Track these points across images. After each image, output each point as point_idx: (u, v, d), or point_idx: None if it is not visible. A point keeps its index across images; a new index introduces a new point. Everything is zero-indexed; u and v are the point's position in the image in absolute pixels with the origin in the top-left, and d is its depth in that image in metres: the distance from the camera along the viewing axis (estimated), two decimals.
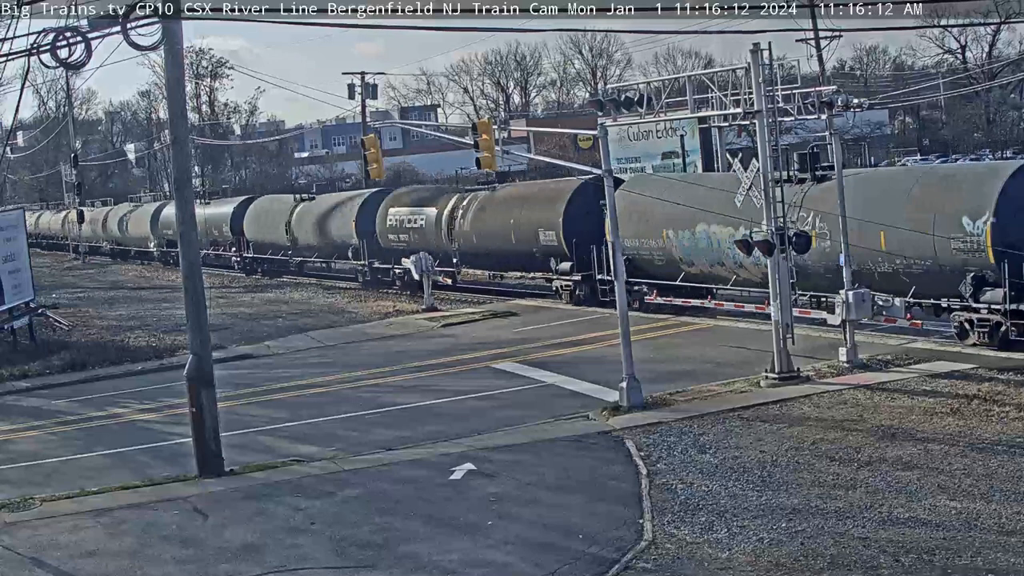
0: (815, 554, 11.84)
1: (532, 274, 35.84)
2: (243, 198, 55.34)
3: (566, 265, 32.14)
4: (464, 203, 36.91)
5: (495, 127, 24.59)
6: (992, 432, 15.92)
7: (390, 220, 40.06)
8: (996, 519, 12.50)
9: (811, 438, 16.22)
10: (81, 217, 67.50)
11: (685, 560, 12.00)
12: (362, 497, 15.15)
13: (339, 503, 14.97)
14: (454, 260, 37.24)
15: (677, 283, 28.23)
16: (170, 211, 58.68)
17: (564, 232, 31.64)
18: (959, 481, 13.86)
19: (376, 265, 41.10)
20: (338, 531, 13.73)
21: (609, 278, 28.18)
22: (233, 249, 52.59)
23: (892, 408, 17.66)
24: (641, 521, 13.21)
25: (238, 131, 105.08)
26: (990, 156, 67.69)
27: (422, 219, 38.50)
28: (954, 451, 15.10)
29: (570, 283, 31.91)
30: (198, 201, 55.48)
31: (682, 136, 43.04)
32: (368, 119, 67.50)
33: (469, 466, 16.06)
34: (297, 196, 48.80)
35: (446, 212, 37.32)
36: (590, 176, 29.36)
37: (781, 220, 20.18)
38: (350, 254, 42.81)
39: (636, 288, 28.59)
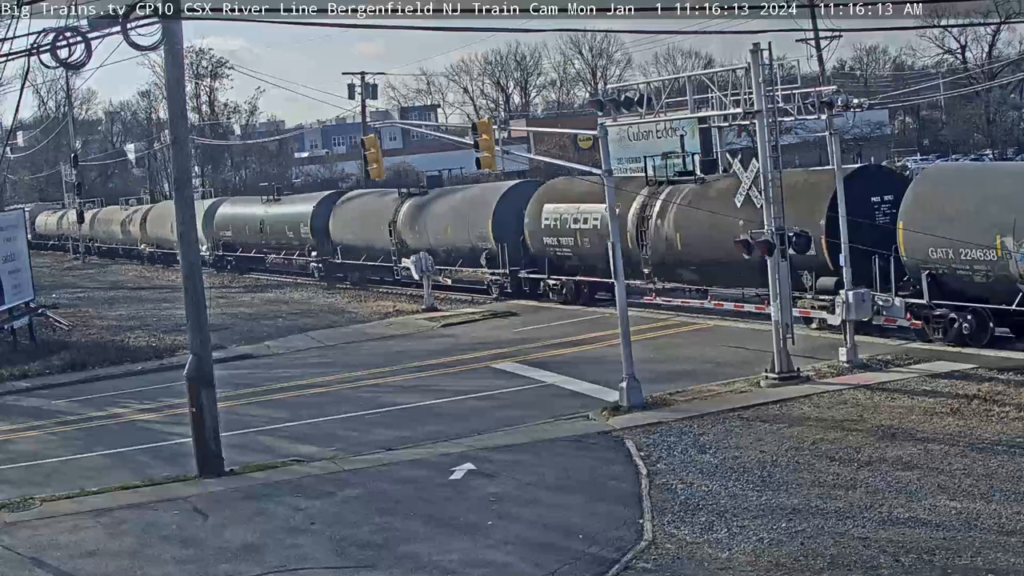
0: (815, 554, 11.84)
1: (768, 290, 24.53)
2: (326, 193, 48.24)
3: (828, 280, 24.34)
4: (661, 198, 29.10)
5: (495, 127, 24.57)
6: (992, 432, 15.92)
7: (547, 219, 32.66)
8: (996, 519, 12.49)
9: (811, 438, 16.22)
10: (81, 217, 67.46)
11: (685, 560, 11.99)
12: (362, 497, 15.15)
13: (339, 503, 14.97)
14: (645, 271, 29.44)
15: (1015, 307, 21.14)
16: (230, 209, 53.62)
17: (827, 237, 23.99)
18: (959, 481, 13.86)
19: (523, 275, 34.09)
20: (338, 531, 13.73)
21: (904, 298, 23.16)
22: (313, 253, 45.42)
23: (892, 408, 17.66)
24: (641, 521, 13.21)
25: (238, 131, 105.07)
26: (990, 156, 67.75)
27: (595, 218, 30.49)
28: (954, 451, 15.10)
29: (828, 303, 23.96)
30: (264, 199, 50.60)
31: (682, 136, 42.94)
32: (368, 119, 67.47)
33: (469, 466, 16.06)
34: (403, 190, 41.39)
35: (633, 210, 29.51)
36: (862, 164, 23.78)
37: (781, 220, 20.21)
38: (483, 261, 35.54)
39: (938, 315, 22.40)
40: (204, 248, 53.24)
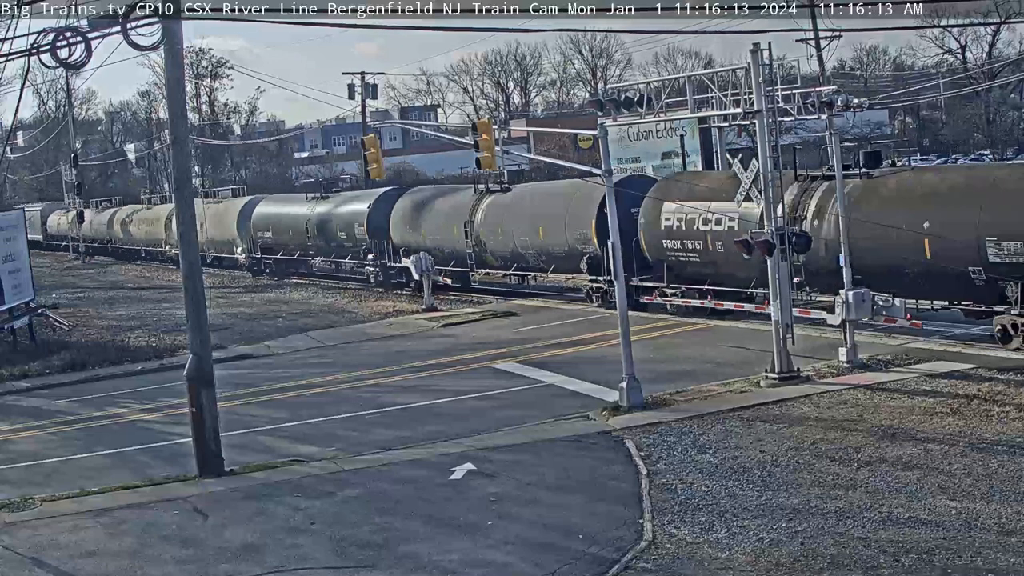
0: (815, 554, 11.84)
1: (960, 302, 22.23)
2: (384, 190, 41.99)
3: None
4: (817, 195, 24.75)
5: (495, 127, 24.60)
6: (992, 432, 15.92)
7: (667, 220, 28.16)
8: (996, 519, 12.50)
9: (811, 438, 16.22)
10: (81, 217, 67.44)
11: (685, 560, 12.00)
12: (362, 497, 15.15)
13: (339, 503, 14.98)
14: (796, 280, 24.32)
15: None
16: (270, 208, 49.17)
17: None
18: (959, 481, 13.86)
19: (635, 282, 28.69)
20: (338, 531, 13.73)
21: None
22: (370, 256, 40.94)
23: (892, 408, 17.66)
24: (641, 521, 13.21)
25: (238, 131, 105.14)
26: (990, 156, 67.75)
27: (731, 218, 26.33)
28: (954, 451, 15.10)
29: (1018, 320, 21.23)
30: (310, 197, 46.14)
31: (682, 136, 43.01)
32: (368, 119, 67.47)
33: (469, 466, 16.06)
34: (480, 187, 36.33)
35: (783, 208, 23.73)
36: None
37: (781, 220, 20.22)
38: (583, 266, 31.23)
39: None
40: (239, 250, 50.35)
